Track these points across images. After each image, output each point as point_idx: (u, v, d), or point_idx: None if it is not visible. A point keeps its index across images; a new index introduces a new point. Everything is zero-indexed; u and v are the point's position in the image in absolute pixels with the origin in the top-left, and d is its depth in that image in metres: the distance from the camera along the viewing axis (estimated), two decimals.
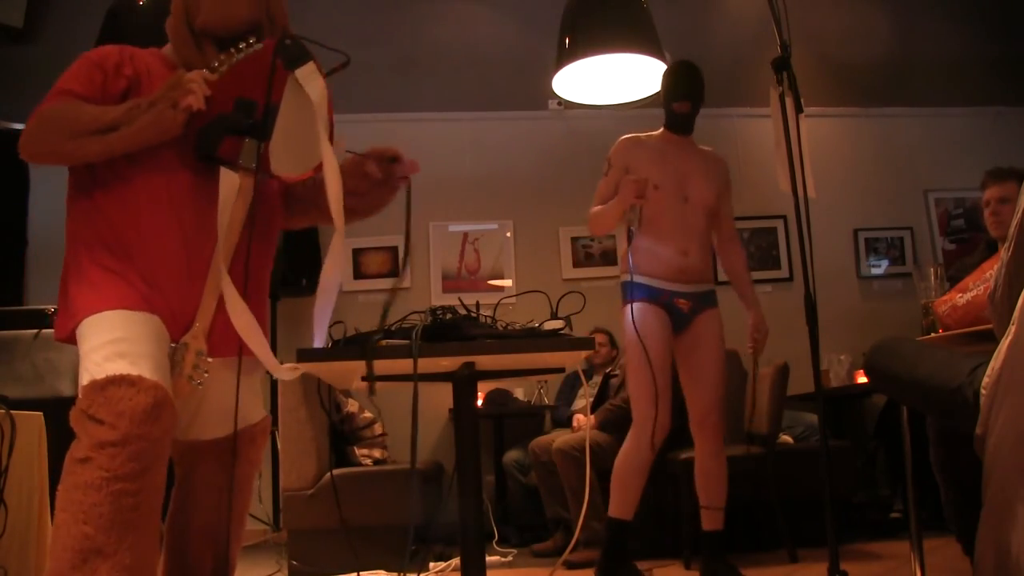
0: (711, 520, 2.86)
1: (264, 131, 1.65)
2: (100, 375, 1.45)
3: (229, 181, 1.63)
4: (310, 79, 1.65)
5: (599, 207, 2.93)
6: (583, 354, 1.62)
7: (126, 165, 1.61)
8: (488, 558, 3.53)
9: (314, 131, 1.64)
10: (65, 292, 1.62)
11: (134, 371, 1.45)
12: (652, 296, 2.82)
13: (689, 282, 2.87)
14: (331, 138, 1.66)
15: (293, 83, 1.66)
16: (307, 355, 1.54)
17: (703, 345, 2.85)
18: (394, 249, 5.15)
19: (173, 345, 1.58)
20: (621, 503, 2.85)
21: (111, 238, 1.60)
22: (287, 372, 1.62)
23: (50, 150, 1.58)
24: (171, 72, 1.68)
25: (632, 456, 2.79)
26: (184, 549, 1.71)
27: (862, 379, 4.36)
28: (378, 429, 4.04)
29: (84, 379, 1.48)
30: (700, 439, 2.86)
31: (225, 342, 1.66)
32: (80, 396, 1.47)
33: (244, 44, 1.64)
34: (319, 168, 1.67)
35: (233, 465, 1.71)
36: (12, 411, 2.19)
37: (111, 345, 1.48)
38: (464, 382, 1.72)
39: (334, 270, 1.62)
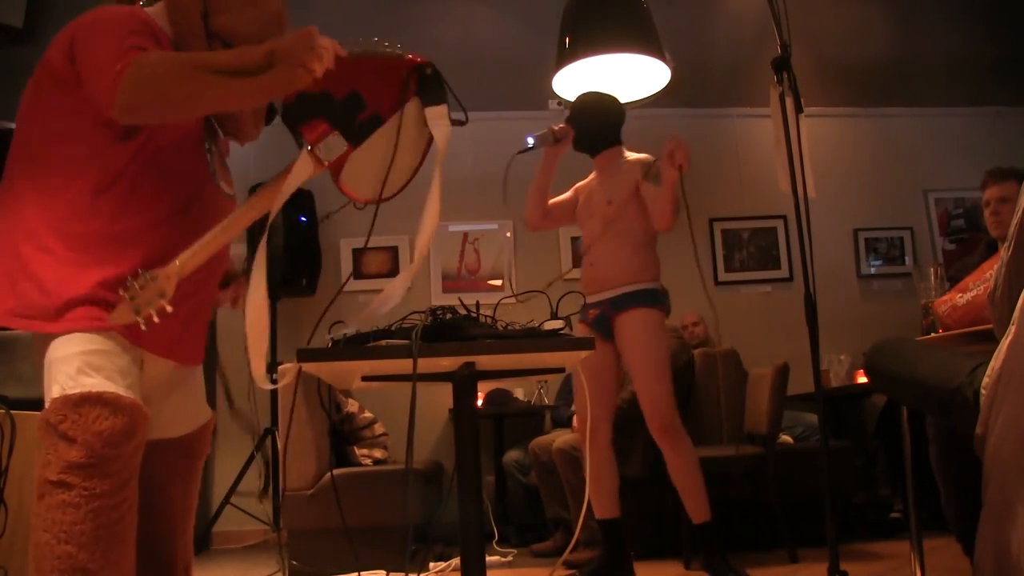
0: (694, 514, 2.86)
1: (359, 135, 1.58)
2: (74, 390, 1.38)
3: (304, 166, 1.55)
4: (437, 121, 1.59)
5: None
6: (583, 354, 1.62)
7: (144, 168, 1.52)
8: (488, 558, 3.53)
9: (400, 165, 1.59)
10: (30, 280, 1.47)
11: (110, 388, 1.40)
12: (581, 316, 2.98)
13: (600, 291, 2.92)
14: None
15: (411, 113, 1.59)
16: (307, 355, 1.54)
17: (624, 348, 2.86)
18: (394, 249, 5.15)
19: (143, 272, 1.43)
20: (600, 505, 2.91)
21: (110, 240, 1.50)
22: (267, 383, 1.58)
23: (163, 94, 1.40)
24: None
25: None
26: (158, 548, 1.69)
27: (862, 379, 4.36)
28: (378, 429, 4.05)
29: (54, 390, 1.40)
30: (656, 440, 2.86)
31: (195, 352, 1.66)
32: (49, 407, 1.40)
33: (387, 43, 1.58)
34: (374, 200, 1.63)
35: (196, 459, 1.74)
36: (12, 411, 2.19)
37: (84, 356, 1.41)
38: (464, 382, 1.72)
39: (402, 284, 1.61)
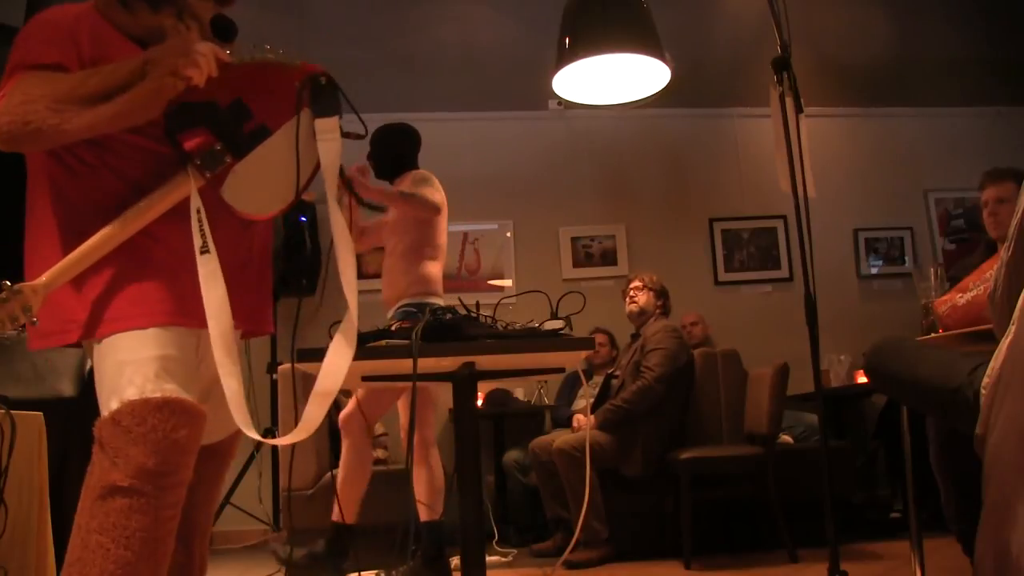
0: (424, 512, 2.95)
1: (242, 147, 1.49)
2: (154, 393, 1.37)
3: (183, 180, 1.48)
4: (327, 136, 1.51)
5: None
6: (583, 354, 1.62)
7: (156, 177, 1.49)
8: (488, 558, 3.53)
9: (290, 180, 1.50)
10: (88, 292, 1.46)
11: (186, 396, 1.39)
12: None
13: (388, 307, 3.04)
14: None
15: (305, 124, 1.51)
16: (307, 355, 1.54)
17: None
18: None
19: (7, 285, 1.35)
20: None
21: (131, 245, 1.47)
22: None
23: (31, 127, 1.37)
24: (125, 44, 1.51)
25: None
26: (188, 549, 1.70)
27: (862, 379, 4.36)
28: (378, 429, 4.05)
29: (129, 392, 1.37)
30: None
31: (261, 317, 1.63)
32: (123, 409, 1.37)
33: (281, 50, 1.51)
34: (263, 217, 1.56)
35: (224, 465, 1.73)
36: (12, 411, 2.19)
37: (160, 362, 1.40)
38: (464, 382, 1.72)
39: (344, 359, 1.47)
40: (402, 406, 3.03)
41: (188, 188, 1.48)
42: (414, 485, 2.93)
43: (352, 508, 2.89)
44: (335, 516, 2.90)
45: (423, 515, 2.93)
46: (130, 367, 1.40)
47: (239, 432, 1.77)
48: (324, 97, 1.51)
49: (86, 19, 1.51)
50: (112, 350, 1.43)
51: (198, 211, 1.48)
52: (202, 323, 1.49)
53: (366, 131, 1.58)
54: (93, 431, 1.40)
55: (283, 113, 1.51)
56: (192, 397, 1.41)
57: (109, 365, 1.43)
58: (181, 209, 1.51)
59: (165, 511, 1.37)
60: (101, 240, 1.43)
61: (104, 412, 1.41)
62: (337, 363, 1.44)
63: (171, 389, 1.39)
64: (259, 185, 1.52)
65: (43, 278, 1.39)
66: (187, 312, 1.47)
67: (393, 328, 1.62)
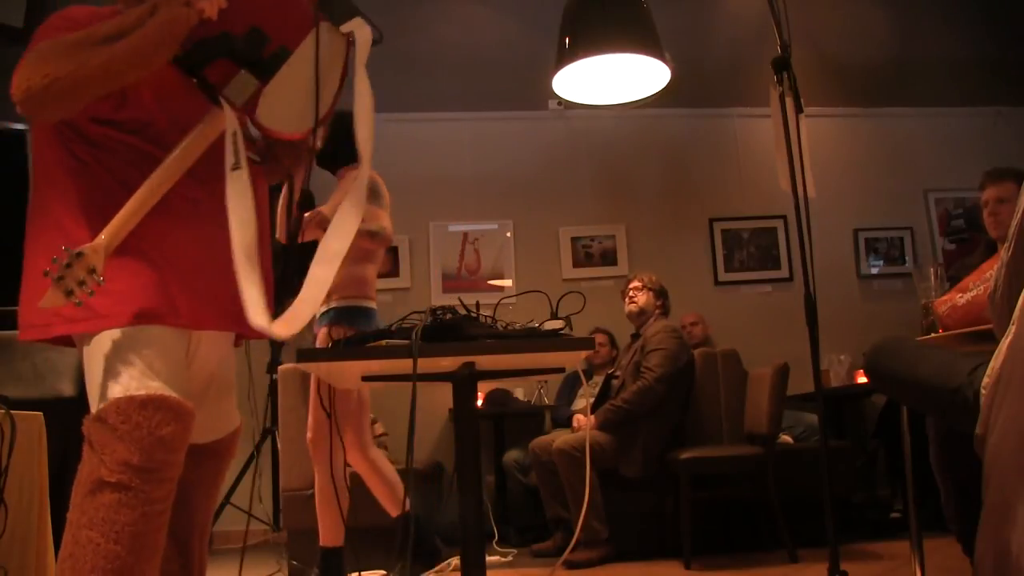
0: (324, 536, 2.81)
1: (266, 70, 1.50)
2: (139, 391, 1.37)
3: (219, 115, 1.50)
4: (360, 28, 1.55)
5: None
6: (583, 354, 1.62)
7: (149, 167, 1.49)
8: (488, 558, 3.53)
9: (314, 93, 1.52)
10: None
11: (171, 394, 1.40)
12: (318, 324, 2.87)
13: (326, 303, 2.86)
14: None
15: (324, 38, 1.53)
16: (307, 355, 1.54)
17: None
18: (393, 249, 5.15)
19: (66, 250, 1.34)
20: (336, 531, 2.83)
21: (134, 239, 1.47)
22: (279, 327, 1.44)
23: (49, 79, 1.35)
24: None
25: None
26: (180, 548, 1.70)
27: (862, 379, 4.36)
28: (378, 429, 4.05)
29: (114, 390, 1.38)
30: (350, 461, 2.85)
31: (216, 314, 1.57)
32: (109, 407, 1.38)
33: None
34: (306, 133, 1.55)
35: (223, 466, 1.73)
36: (12, 411, 2.19)
37: (145, 359, 1.41)
38: (464, 382, 1.72)
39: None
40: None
41: (223, 122, 1.50)
42: (373, 493, 2.87)
43: (336, 529, 2.77)
44: (321, 541, 2.80)
45: (394, 514, 2.88)
46: (116, 365, 1.40)
47: (237, 431, 1.77)
48: (336, 5, 1.54)
49: (102, 14, 1.53)
50: (99, 348, 1.43)
51: (234, 133, 1.49)
52: (190, 323, 1.50)
53: (380, 35, 1.61)
54: (82, 429, 1.41)
55: (297, 31, 1.53)
56: (178, 394, 1.41)
57: (96, 363, 1.43)
58: (170, 206, 1.51)
59: (154, 506, 1.37)
60: (148, 191, 1.45)
61: (92, 410, 1.42)
62: (347, 221, 1.46)
63: (156, 387, 1.39)
64: (291, 103, 1.53)
65: (102, 237, 1.39)
66: (174, 311, 1.48)
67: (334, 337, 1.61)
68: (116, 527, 1.33)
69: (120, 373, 1.40)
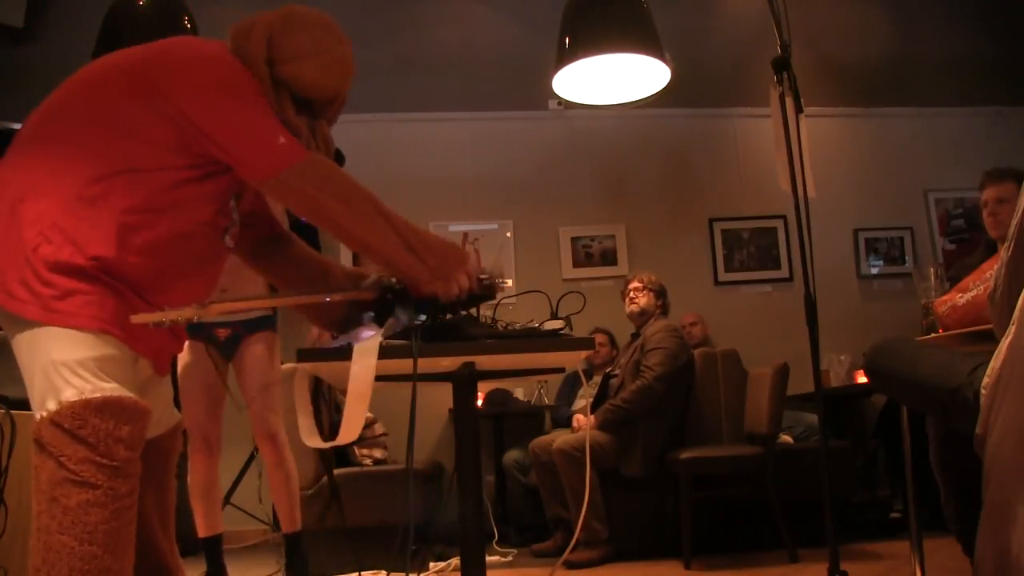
0: (284, 523, 2.89)
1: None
2: (94, 394, 1.35)
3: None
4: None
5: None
6: (583, 354, 1.62)
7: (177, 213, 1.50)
8: (488, 558, 3.53)
9: None
10: (29, 265, 1.38)
11: (127, 393, 1.39)
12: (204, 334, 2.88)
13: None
14: None
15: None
16: (307, 355, 1.54)
17: (248, 366, 2.90)
18: None
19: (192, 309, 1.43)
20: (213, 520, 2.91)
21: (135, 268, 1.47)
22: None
23: (328, 198, 1.49)
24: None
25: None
26: (145, 549, 1.69)
27: (862, 379, 4.36)
28: (378, 429, 4.05)
29: (67, 393, 1.35)
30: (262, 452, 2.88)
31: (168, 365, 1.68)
32: (62, 410, 1.34)
33: (500, 279, 1.68)
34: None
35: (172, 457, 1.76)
36: (12, 411, 2.19)
37: (97, 362, 1.38)
38: (464, 382, 1.72)
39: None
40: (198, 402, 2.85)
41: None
42: (271, 492, 2.88)
43: (216, 517, 2.88)
44: (202, 533, 2.88)
45: (284, 527, 2.88)
46: (66, 367, 1.36)
47: (179, 426, 1.79)
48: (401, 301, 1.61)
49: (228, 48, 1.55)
50: (45, 347, 1.38)
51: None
52: (144, 352, 1.51)
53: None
54: (31, 433, 1.38)
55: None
56: (135, 394, 1.41)
57: (42, 363, 1.39)
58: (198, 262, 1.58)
59: (122, 501, 1.36)
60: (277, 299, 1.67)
61: (39, 412, 1.38)
62: (364, 366, 1.49)
63: (111, 388, 1.37)
64: None
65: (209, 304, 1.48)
66: (135, 337, 1.46)
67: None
68: (88, 528, 1.32)
69: (71, 375, 1.36)
